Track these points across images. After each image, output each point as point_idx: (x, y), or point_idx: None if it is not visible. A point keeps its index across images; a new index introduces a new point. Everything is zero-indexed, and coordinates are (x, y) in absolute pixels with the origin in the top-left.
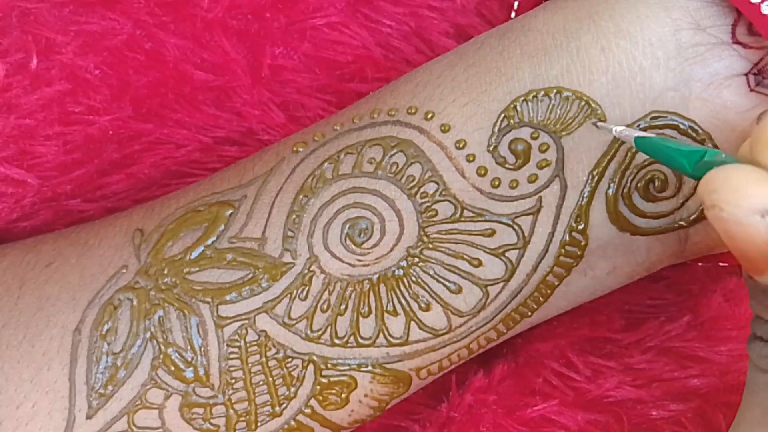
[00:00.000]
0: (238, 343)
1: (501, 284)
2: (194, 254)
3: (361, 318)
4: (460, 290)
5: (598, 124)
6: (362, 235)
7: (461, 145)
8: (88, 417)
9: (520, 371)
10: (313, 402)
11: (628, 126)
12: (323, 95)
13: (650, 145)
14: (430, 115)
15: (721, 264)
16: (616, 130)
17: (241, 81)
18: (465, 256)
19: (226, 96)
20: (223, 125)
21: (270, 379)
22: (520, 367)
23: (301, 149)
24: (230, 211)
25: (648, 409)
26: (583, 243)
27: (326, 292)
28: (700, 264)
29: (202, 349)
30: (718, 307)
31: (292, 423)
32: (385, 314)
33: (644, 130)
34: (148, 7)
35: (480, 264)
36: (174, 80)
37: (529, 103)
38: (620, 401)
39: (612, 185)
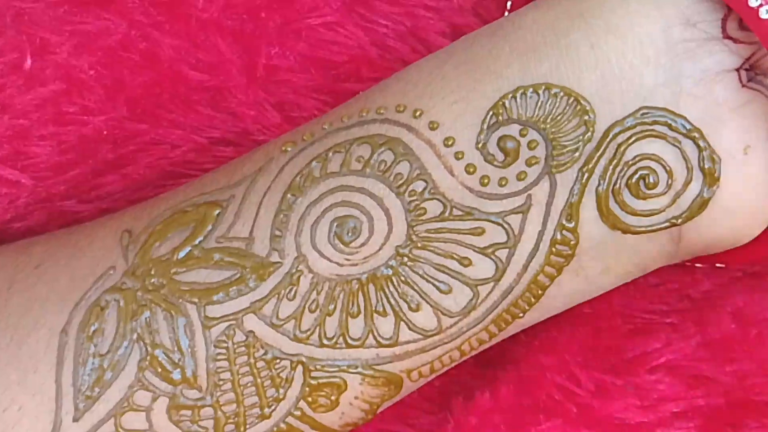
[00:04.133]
0: (225, 344)
1: (491, 284)
2: (181, 254)
3: (350, 318)
4: (450, 290)
5: None
6: (350, 234)
7: (450, 143)
8: (75, 420)
9: (524, 387)
10: (302, 404)
11: (618, 121)
12: (319, 95)
13: None
14: (418, 113)
15: (718, 265)
16: None
17: (237, 81)
18: (454, 255)
19: (222, 96)
20: (218, 126)
21: (258, 380)
22: (523, 381)
23: (289, 149)
24: (218, 211)
25: (653, 427)
26: (573, 242)
27: (314, 292)
28: (698, 265)
29: (190, 350)
30: (726, 328)
31: (282, 425)
32: (375, 314)
33: (634, 127)
34: (142, 7)
35: (470, 263)
36: (169, 80)
37: (518, 100)
38: (625, 421)
39: (602, 182)
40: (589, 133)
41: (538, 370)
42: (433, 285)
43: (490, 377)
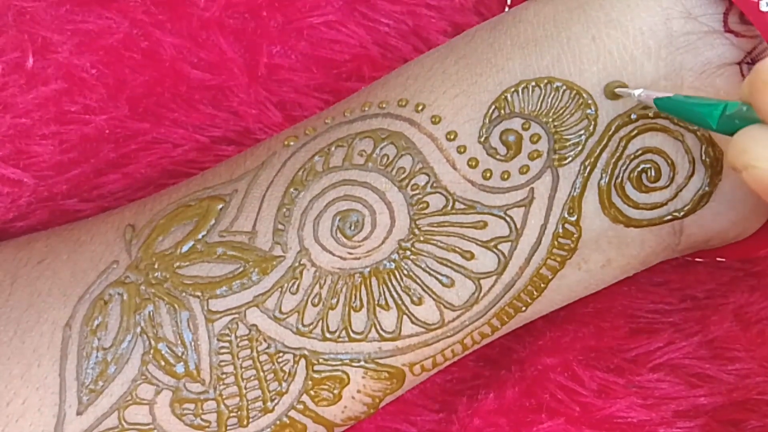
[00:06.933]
0: (228, 338)
1: (494, 277)
2: (184, 248)
3: (352, 312)
4: (452, 284)
5: (617, 90)
6: (353, 228)
7: (452, 137)
8: (79, 413)
9: (528, 387)
10: (305, 398)
11: (620, 114)
12: (320, 94)
13: (672, 104)
14: (420, 107)
15: (718, 259)
16: (635, 94)
17: (238, 80)
18: (457, 249)
19: (223, 95)
20: (219, 124)
21: (261, 374)
22: (527, 381)
23: (292, 143)
24: (221, 205)
25: (655, 426)
26: (576, 235)
27: (317, 286)
28: (698, 260)
29: (193, 343)
30: (728, 327)
31: (285, 419)
32: (377, 308)
33: (636, 120)
34: (144, 6)
35: (472, 257)
36: (170, 79)
37: (520, 94)
38: (628, 420)
39: (604, 176)
40: (592, 127)
41: (541, 370)
42: (436, 278)
43: (494, 377)
